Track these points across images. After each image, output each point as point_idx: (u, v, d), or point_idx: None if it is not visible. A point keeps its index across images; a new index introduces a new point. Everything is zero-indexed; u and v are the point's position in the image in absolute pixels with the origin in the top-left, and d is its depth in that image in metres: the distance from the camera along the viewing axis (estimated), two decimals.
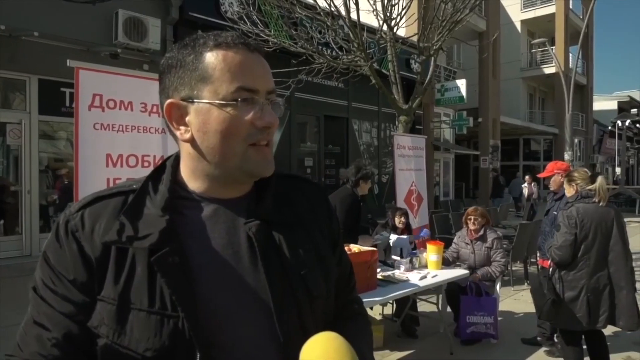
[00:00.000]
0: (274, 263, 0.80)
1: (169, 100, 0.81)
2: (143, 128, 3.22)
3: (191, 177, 0.84)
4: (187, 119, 0.80)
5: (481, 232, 4.70)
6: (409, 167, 6.67)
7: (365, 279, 3.40)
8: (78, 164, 2.97)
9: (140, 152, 3.19)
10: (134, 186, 0.83)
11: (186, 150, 0.83)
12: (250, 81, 0.78)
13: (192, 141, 0.81)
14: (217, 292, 0.77)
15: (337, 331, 0.79)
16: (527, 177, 15.28)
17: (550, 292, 3.31)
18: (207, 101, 0.77)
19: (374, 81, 6.57)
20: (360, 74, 6.95)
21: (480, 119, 17.57)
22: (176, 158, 0.87)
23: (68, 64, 3.05)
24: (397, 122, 7.93)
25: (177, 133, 0.82)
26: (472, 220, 4.73)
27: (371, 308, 4.83)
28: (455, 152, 17.81)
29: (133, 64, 7.34)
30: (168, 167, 0.86)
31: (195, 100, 0.78)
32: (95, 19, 7.27)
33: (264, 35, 6.47)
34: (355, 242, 4.04)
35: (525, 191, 7.07)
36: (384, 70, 8.14)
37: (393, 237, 4.74)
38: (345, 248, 3.41)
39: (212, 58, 0.78)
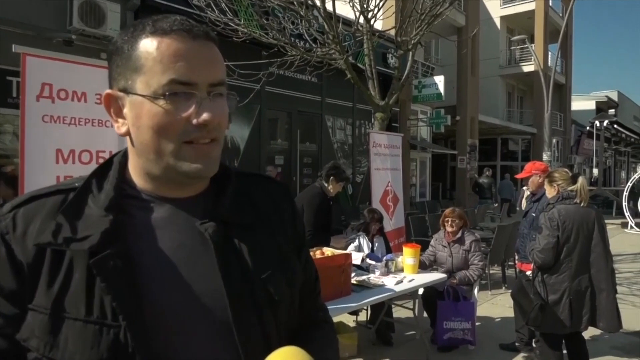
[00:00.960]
0: (232, 267, 0.78)
1: (106, 91, 0.79)
2: (98, 121, 3.12)
3: (136, 175, 0.81)
4: (124, 111, 0.78)
5: (459, 235, 4.75)
6: (385, 166, 6.70)
7: (339, 284, 3.38)
8: (24, 160, 2.85)
9: (95, 148, 3.08)
10: (76, 184, 0.79)
11: (129, 145, 0.81)
12: (186, 73, 0.74)
13: (129, 135, 0.78)
14: (167, 300, 0.74)
15: (301, 340, 0.79)
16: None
17: (536, 297, 3.37)
18: (139, 94, 0.74)
19: (349, 76, 6.56)
20: (334, 67, 6.93)
21: (458, 117, 17.85)
22: (125, 154, 0.84)
23: (14, 50, 2.91)
24: (372, 119, 7.97)
25: (115, 126, 0.80)
26: (449, 222, 4.78)
27: (355, 313, 4.83)
28: (432, 151, 18.05)
29: (89, 52, 7.10)
30: (115, 163, 0.82)
31: (129, 92, 0.76)
32: (48, 2, 7.01)
33: (232, 25, 6.38)
34: (328, 245, 4.01)
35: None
36: (359, 65, 8.15)
37: (365, 248, 4.70)
38: (318, 252, 3.44)
39: (145, 46, 0.74)
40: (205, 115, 0.74)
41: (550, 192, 3.75)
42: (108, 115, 0.80)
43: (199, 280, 0.76)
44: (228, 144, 9.76)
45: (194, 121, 0.74)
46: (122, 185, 0.79)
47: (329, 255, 3.46)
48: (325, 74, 7.21)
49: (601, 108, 34.03)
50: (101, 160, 3.12)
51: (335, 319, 3.41)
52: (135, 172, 0.81)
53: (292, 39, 6.77)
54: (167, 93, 0.73)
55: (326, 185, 4.42)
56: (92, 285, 0.70)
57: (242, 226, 0.82)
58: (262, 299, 0.79)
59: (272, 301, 0.80)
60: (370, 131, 6.96)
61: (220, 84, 0.78)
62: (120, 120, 0.79)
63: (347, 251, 4.14)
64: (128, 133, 0.78)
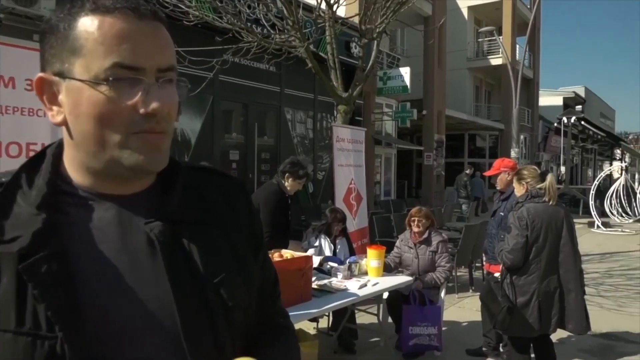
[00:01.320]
0: (181, 270, 0.76)
1: (39, 75, 0.75)
2: (29, 110, 2.99)
3: (73, 169, 0.78)
4: (60, 98, 0.74)
5: (425, 235, 4.83)
6: (349, 162, 6.74)
7: (299, 289, 3.37)
8: None
9: (25, 139, 2.96)
10: (3, 179, 0.75)
11: (65, 136, 0.78)
12: (131, 56, 0.71)
13: (65, 125, 0.75)
14: (109, 307, 0.71)
15: (260, 348, 0.77)
16: None
17: (504, 299, 3.48)
18: (77, 78, 0.71)
19: (310, 65, 6.56)
20: (294, 56, 6.92)
21: (424, 112, 18.19)
22: (59, 145, 0.80)
23: None
24: (335, 112, 8.01)
25: (49, 114, 0.76)
26: (415, 222, 4.85)
27: (315, 320, 4.82)
28: (397, 147, 18.32)
29: (20, 33, 6.77)
30: (49, 155, 0.79)
31: (66, 77, 0.72)
32: None
33: (183, 7, 6.25)
34: (286, 247, 4.00)
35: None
36: (321, 54, 8.17)
37: (326, 250, 4.70)
38: (276, 254, 3.41)
39: (85, 25, 0.71)
40: (154, 104, 0.72)
41: (519, 190, 3.87)
42: (40, 103, 0.76)
43: (145, 285, 0.74)
44: (177, 138, 9.58)
45: (142, 110, 0.72)
46: (56, 181, 0.76)
47: (288, 257, 3.45)
48: (285, 62, 7.19)
49: (568, 104, 35.51)
50: (32, 154, 3.00)
51: (295, 326, 3.40)
52: (72, 166, 0.78)
53: (249, 24, 6.71)
54: (110, 78, 0.70)
55: (284, 182, 4.39)
56: (24, 292, 0.67)
57: (192, 225, 0.80)
58: (214, 305, 0.78)
59: (226, 307, 0.79)
60: (333, 125, 6.99)
61: (170, 70, 0.76)
62: (55, 108, 0.75)
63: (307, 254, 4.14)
64: (65, 122, 0.75)
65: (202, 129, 10.20)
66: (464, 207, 15.09)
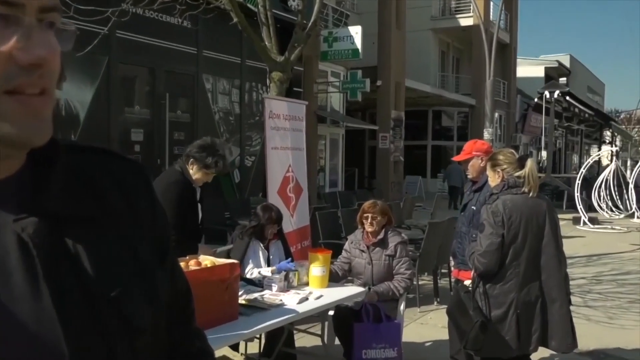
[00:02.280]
0: (66, 281, 0.73)
1: None
2: None
3: None
4: None
5: (381, 235, 4.88)
6: (285, 144, 6.72)
7: (222, 305, 3.35)
8: None
9: None
10: None
11: None
12: None
13: None
14: None
15: None
16: None
17: (477, 312, 3.57)
18: None
19: (235, 20, 6.47)
20: (215, 7, 6.81)
21: (379, 82, 18.41)
22: None
23: None
24: (268, 81, 7.96)
25: None
26: (369, 220, 4.89)
27: (235, 348, 4.79)
28: (346, 125, 18.46)
29: None
30: None
31: None
32: None
33: None
34: (195, 252, 3.91)
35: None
36: (250, 6, 8.08)
37: (264, 270, 4.63)
38: (193, 261, 3.36)
39: None
40: (38, 51, 0.68)
41: (493, 179, 3.97)
42: None
43: (18, 301, 0.70)
44: (61, 111, 9.25)
45: (23, 60, 0.68)
46: None
47: (208, 266, 3.41)
48: (203, 16, 7.06)
49: (551, 75, 37.01)
50: None
51: (217, 352, 3.36)
52: None
53: None
54: None
55: (188, 169, 4.23)
56: None
57: (78, 222, 0.77)
58: (112, 326, 0.76)
59: (128, 328, 0.77)
60: (265, 97, 6.95)
61: (55, 10, 0.72)
62: None
63: (243, 267, 4.10)
64: None
65: (94, 101, 9.93)
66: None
